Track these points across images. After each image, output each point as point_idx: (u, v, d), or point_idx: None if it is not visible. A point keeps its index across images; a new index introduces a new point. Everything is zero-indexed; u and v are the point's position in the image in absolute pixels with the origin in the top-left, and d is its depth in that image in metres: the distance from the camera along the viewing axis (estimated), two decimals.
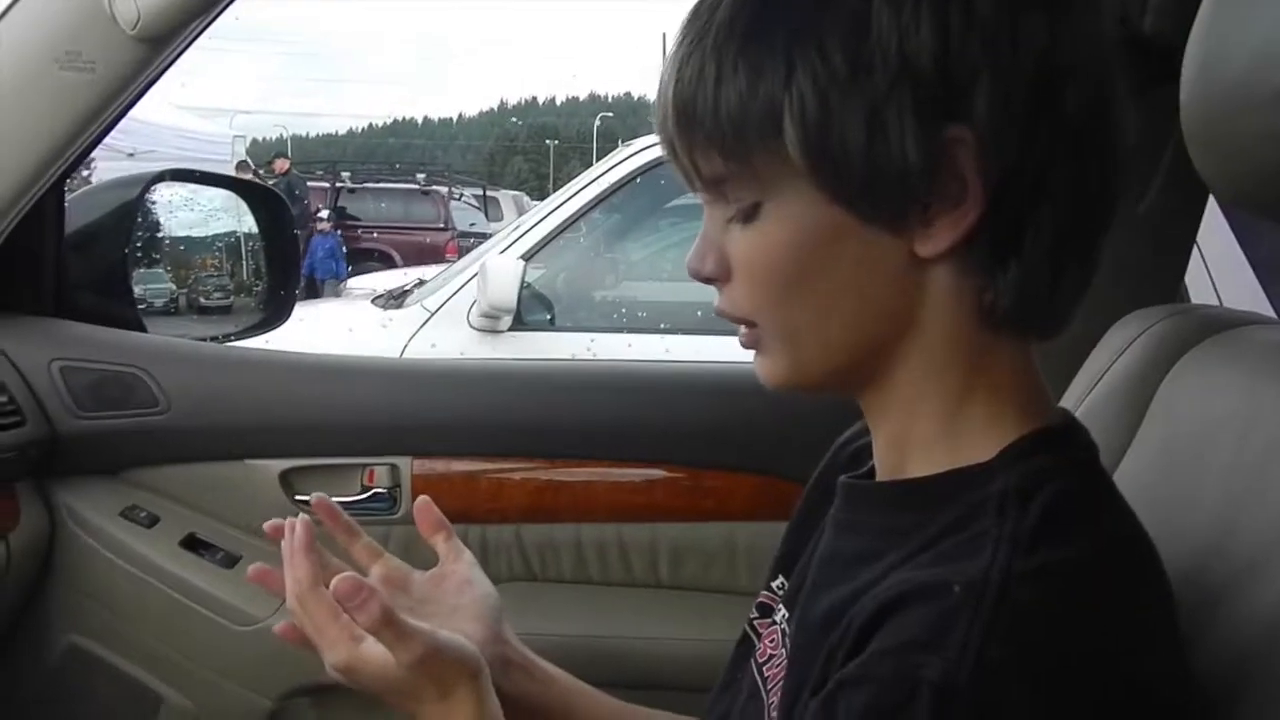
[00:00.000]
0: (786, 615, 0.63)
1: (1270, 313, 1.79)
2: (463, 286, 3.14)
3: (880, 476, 0.58)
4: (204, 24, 1.04)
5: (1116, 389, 0.77)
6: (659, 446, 1.15)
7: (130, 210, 1.25)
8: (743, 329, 0.56)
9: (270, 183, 7.26)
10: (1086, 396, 0.78)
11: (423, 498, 0.77)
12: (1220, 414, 0.66)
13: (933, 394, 0.54)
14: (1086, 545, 0.48)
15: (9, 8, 1.02)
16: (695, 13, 0.53)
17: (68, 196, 1.20)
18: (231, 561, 1.14)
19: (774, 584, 0.69)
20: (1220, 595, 0.55)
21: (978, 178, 0.49)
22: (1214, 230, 1.82)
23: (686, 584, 1.15)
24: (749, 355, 0.58)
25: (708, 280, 0.56)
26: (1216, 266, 1.87)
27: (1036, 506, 0.48)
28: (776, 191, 0.52)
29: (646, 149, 3.37)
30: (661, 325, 3.12)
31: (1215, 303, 1.69)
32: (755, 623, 0.68)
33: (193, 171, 1.40)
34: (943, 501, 0.51)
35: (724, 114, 0.50)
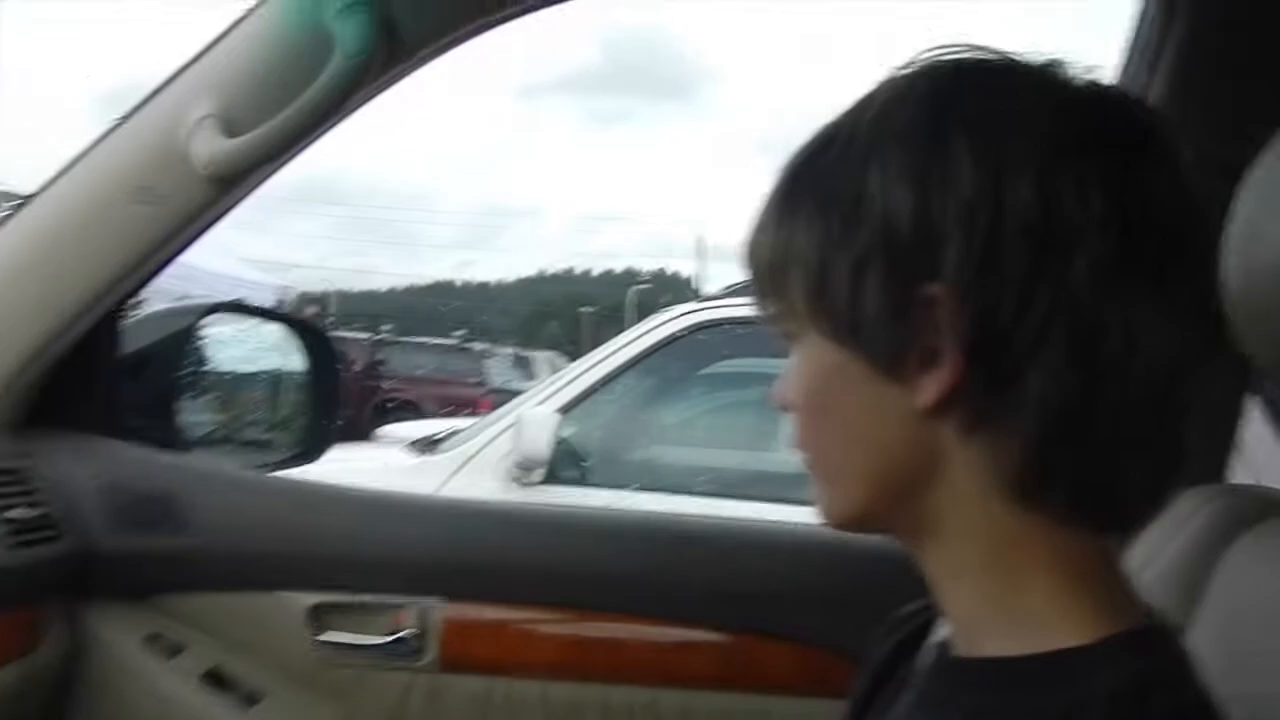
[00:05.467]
0: None
1: None
2: (497, 436, 3.14)
3: (958, 651, 0.56)
4: (272, 170, 1.08)
5: (1171, 570, 0.75)
6: (699, 606, 1.10)
7: (183, 337, 1.27)
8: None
9: None
10: (1140, 576, 0.76)
11: None
12: None
13: (975, 565, 0.53)
14: None
15: (94, 143, 1.07)
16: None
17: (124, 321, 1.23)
18: (254, 700, 1.10)
19: None
20: None
21: (951, 334, 0.50)
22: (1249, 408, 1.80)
23: None
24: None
25: (785, 410, 0.58)
26: (1253, 445, 1.83)
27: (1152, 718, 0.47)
28: (806, 332, 0.55)
29: (684, 315, 3.43)
30: (692, 489, 3.09)
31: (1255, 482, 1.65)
32: None
33: (246, 304, 1.43)
34: (1037, 689, 0.49)
35: (763, 259, 0.57)
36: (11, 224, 1.08)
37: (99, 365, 1.17)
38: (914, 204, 0.50)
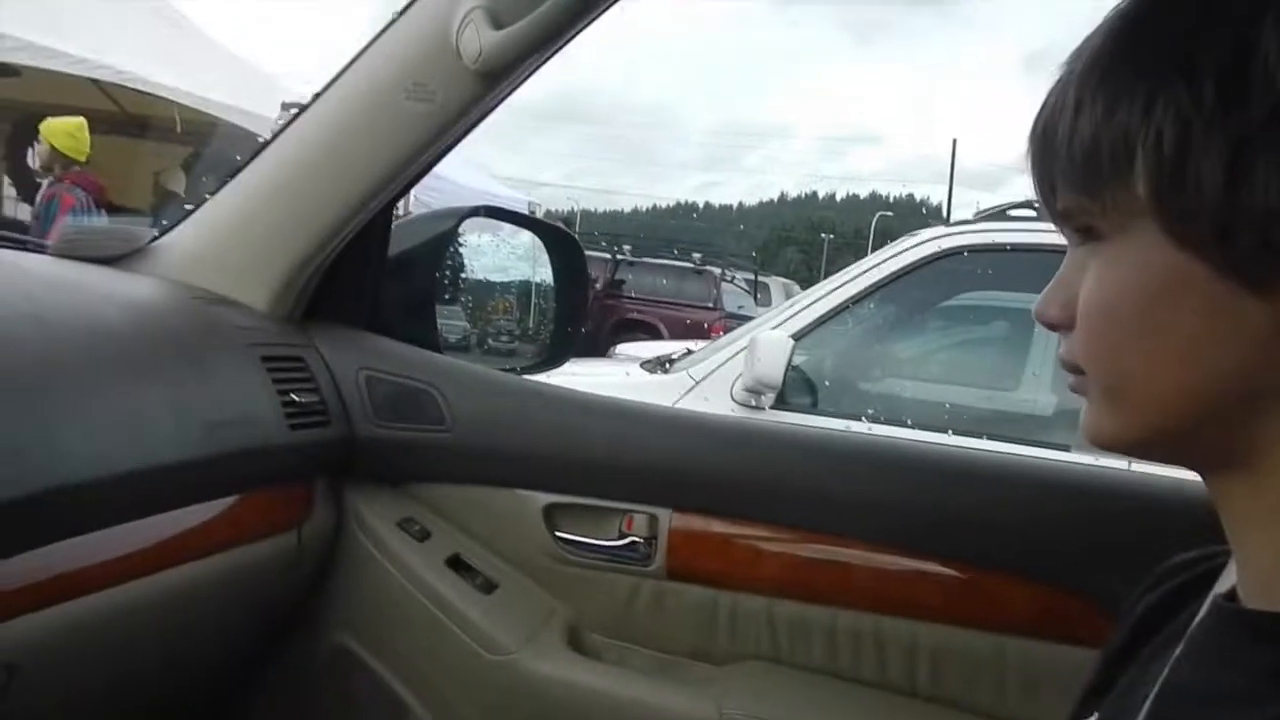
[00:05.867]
0: None
1: None
2: (730, 358, 3.15)
3: (1246, 603, 0.49)
4: (539, 62, 1.09)
5: None
6: (933, 535, 1.07)
7: (444, 240, 1.33)
8: (1071, 379, 0.52)
9: None
10: None
11: None
12: None
13: None
14: None
15: (369, 44, 1.11)
16: (1076, 50, 0.50)
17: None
18: (490, 587, 1.16)
19: (1082, 718, 0.60)
20: None
21: None
22: None
23: (946, 697, 1.05)
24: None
25: (1052, 326, 0.52)
26: None
27: None
28: (1125, 231, 0.47)
29: (929, 240, 3.28)
30: (922, 424, 2.99)
31: None
32: None
33: (503, 210, 1.48)
34: None
35: (1077, 144, 0.48)
36: (294, 126, 1.15)
37: (370, 265, 1.24)
38: None
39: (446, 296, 1.57)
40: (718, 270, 13.11)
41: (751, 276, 14.23)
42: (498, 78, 1.07)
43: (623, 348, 5.58)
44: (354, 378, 1.17)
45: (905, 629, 1.07)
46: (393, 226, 1.28)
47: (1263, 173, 0.43)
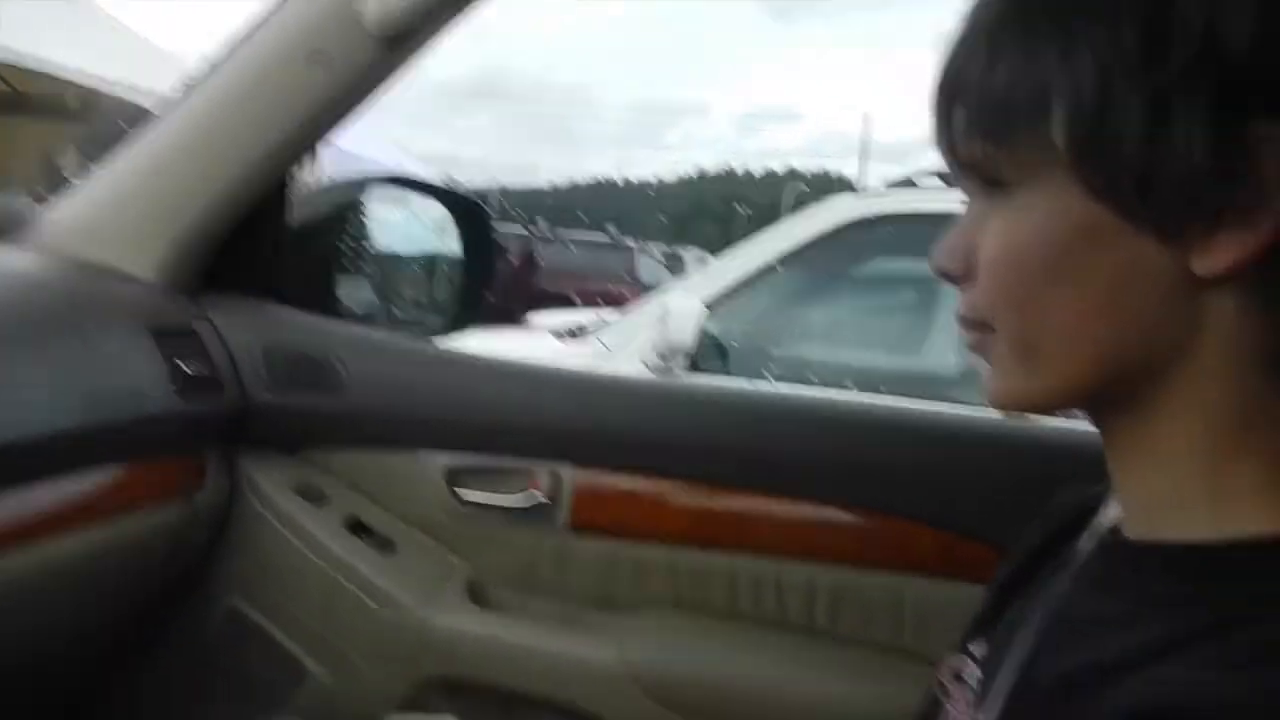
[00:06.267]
0: (981, 676, 0.57)
1: None
2: (642, 326, 3.18)
3: (1130, 535, 0.52)
4: (440, 29, 1.09)
5: None
6: (831, 483, 1.10)
7: (348, 210, 1.33)
8: (971, 336, 0.51)
9: None
10: None
11: None
12: None
13: (1196, 443, 0.47)
14: None
15: (269, 10, 1.10)
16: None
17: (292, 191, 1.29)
18: (389, 548, 1.17)
19: (970, 646, 0.62)
20: None
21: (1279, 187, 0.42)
22: None
23: (843, 634, 1.10)
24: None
25: (949, 277, 0.51)
26: None
27: None
28: (1035, 181, 0.46)
29: (839, 210, 3.35)
30: (835, 389, 3.06)
31: None
32: (944, 685, 0.62)
33: (408, 178, 1.48)
34: (1225, 577, 0.44)
35: (990, 91, 0.47)
36: (189, 95, 1.13)
37: (268, 233, 1.23)
38: (1257, 20, 0.41)
39: (355, 269, 1.56)
40: (634, 244, 13.13)
41: (668, 251, 14.27)
42: (400, 44, 1.07)
43: (539, 319, 5.57)
44: (250, 347, 1.17)
45: (805, 573, 1.10)
46: (294, 197, 1.27)
47: (1182, 124, 0.42)
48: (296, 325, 1.21)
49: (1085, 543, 0.56)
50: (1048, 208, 0.46)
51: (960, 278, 0.51)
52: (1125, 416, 0.49)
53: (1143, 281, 0.45)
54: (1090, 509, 0.58)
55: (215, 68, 1.12)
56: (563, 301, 11.33)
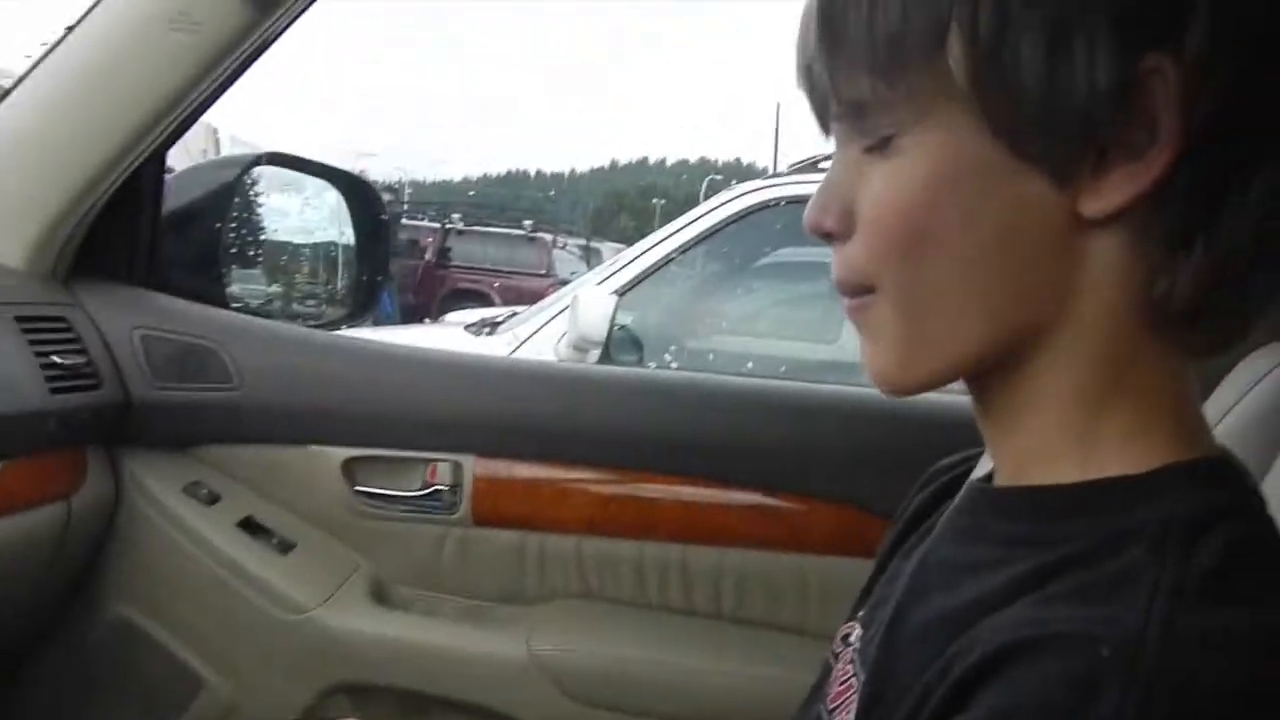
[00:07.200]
0: (862, 634, 0.56)
1: None
2: (554, 317, 3.15)
3: (1000, 483, 0.50)
4: None
5: (1249, 426, 0.71)
6: (733, 465, 1.09)
7: (228, 190, 1.26)
8: (852, 301, 0.48)
9: None
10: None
11: None
12: None
13: (1069, 394, 0.45)
14: (1276, 608, 0.38)
15: None
16: None
17: (168, 176, 1.22)
18: (286, 548, 1.12)
19: (860, 612, 0.61)
20: None
21: (1175, 121, 0.40)
22: None
23: (751, 619, 1.08)
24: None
25: (826, 236, 0.48)
26: None
27: (1208, 549, 0.39)
28: (924, 120, 0.44)
29: (744, 195, 3.36)
30: (749, 378, 3.07)
31: None
32: (834, 652, 0.61)
33: (290, 157, 1.41)
34: (1079, 515, 0.43)
35: (880, 27, 0.43)
36: (43, 65, 1.05)
37: (143, 216, 1.16)
38: None
39: (246, 258, 1.49)
40: (550, 237, 13.06)
41: (584, 243, 14.24)
42: (270, 4, 1.01)
43: (452, 316, 5.50)
44: (128, 337, 1.10)
45: (711, 557, 1.09)
46: (169, 176, 1.20)
47: (1082, 58, 0.41)
48: (178, 314, 1.14)
49: (958, 498, 0.54)
50: (938, 148, 0.44)
51: (839, 235, 0.48)
52: (999, 373, 0.47)
53: (1031, 225, 0.43)
54: (966, 471, 0.58)
55: (72, 32, 1.05)
56: (479, 298, 11.24)
